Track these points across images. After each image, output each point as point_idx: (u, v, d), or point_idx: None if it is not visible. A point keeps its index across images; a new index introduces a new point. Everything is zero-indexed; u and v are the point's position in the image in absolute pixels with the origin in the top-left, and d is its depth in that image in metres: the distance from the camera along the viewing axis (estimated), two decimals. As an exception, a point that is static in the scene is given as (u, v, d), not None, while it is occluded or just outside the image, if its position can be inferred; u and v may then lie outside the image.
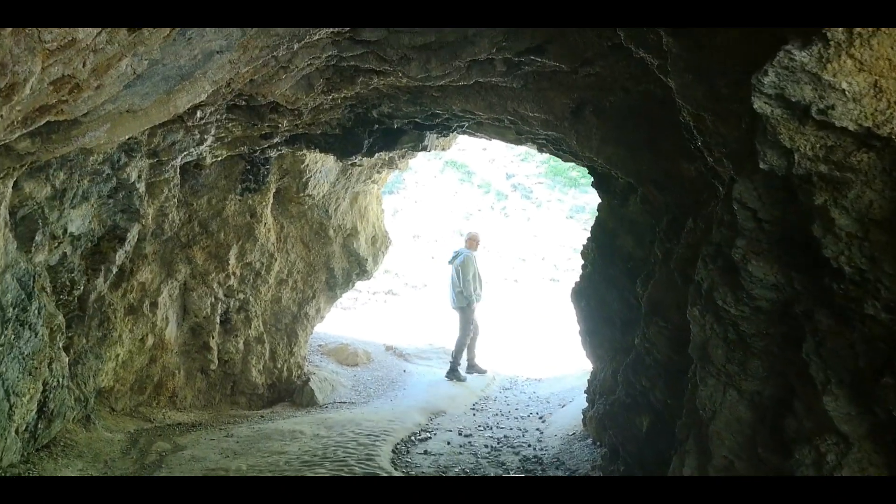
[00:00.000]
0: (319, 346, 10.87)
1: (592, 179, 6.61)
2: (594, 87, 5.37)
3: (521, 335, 14.93)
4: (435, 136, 7.96)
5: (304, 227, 9.60)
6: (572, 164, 24.80)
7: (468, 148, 32.01)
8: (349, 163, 8.95)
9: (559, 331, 15.23)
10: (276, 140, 7.82)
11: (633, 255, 5.99)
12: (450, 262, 11.56)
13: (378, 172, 9.89)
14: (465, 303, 11.15)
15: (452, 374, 10.83)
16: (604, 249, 6.33)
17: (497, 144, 36.11)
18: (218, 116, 6.75)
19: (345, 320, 13.67)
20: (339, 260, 10.04)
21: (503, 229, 22.90)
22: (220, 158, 8.03)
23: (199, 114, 6.40)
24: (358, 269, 10.23)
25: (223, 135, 7.42)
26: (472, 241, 11.82)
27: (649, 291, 5.33)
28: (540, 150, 7.71)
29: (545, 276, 20.63)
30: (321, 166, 9.00)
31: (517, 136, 7.10)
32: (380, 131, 7.58)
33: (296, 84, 5.49)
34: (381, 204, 10.96)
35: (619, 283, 6.18)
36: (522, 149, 36.16)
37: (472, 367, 11.35)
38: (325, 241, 9.78)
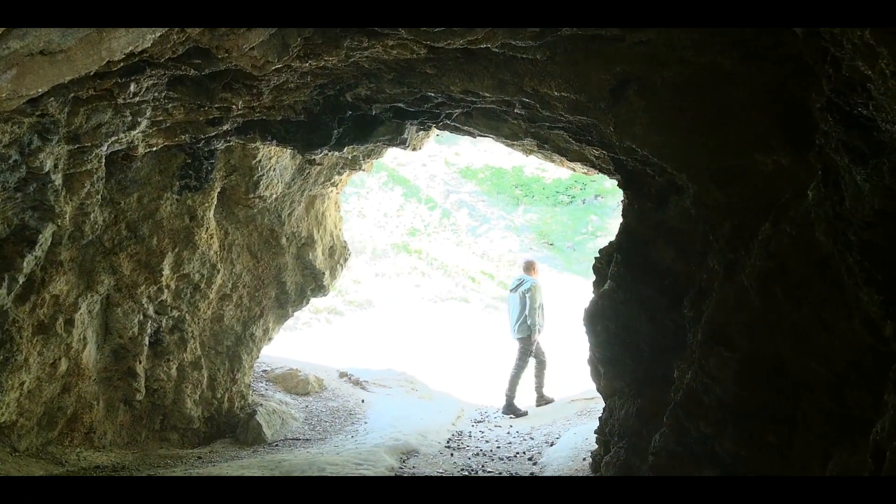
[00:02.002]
0: (264, 371, 9.52)
1: (619, 179, 5.55)
2: (643, 59, 4.33)
3: (476, 359, 13.84)
4: (415, 128, 6.81)
5: (253, 233, 8.27)
6: (518, 180, 23.99)
7: (408, 163, 31.06)
8: (311, 159, 7.71)
9: (511, 354, 14.23)
10: (225, 127, 6.57)
11: (673, 270, 4.95)
12: (512, 290, 10.76)
13: (338, 174, 8.65)
14: (527, 332, 10.38)
15: (509, 409, 10.14)
16: (631, 263, 5.28)
17: (437, 161, 35.28)
18: (156, 94, 5.53)
19: (287, 342, 12.31)
20: (292, 273, 8.73)
21: (451, 247, 21.84)
22: (155, 148, 6.72)
23: (132, 87, 5.17)
24: (313, 283, 8.94)
25: (161, 118, 6.15)
26: (534, 268, 11.06)
27: (709, 314, 4.29)
28: (539, 148, 6.65)
29: (495, 295, 19.61)
30: (276, 163, 7.73)
31: (524, 125, 6.02)
32: (352, 119, 6.40)
33: (268, 41, 4.28)
34: (340, 210, 9.73)
35: (650, 303, 5.13)
36: (463, 165, 35.48)
37: (541, 399, 10.54)
38: (277, 250, 8.47)
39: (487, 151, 36.98)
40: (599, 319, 5.62)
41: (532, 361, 10.63)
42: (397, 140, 6.73)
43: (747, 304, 4.07)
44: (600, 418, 5.98)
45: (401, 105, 5.96)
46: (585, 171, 7.86)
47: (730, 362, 4.13)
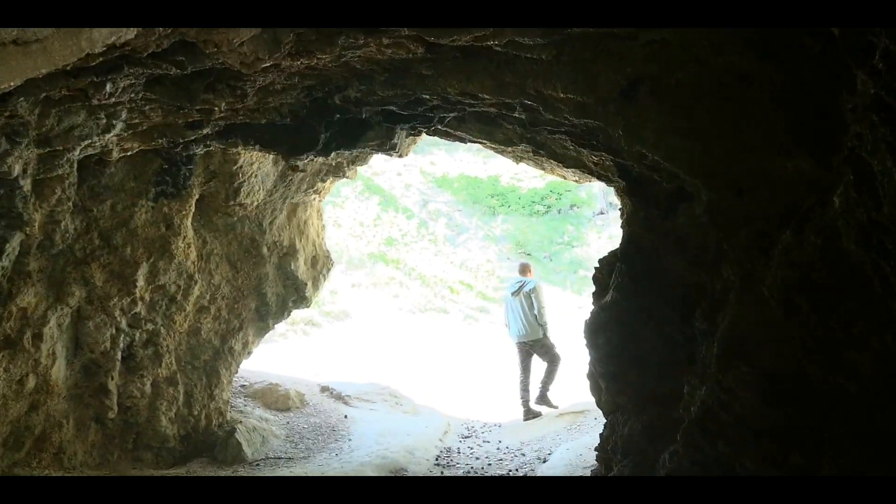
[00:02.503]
0: (242, 386, 9.15)
1: (623, 185, 5.32)
2: (656, 59, 4.11)
3: (458, 371, 13.56)
4: (405, 133, 6.55)
5: (232, 243, 7.93)
6: (493, 189, 23.86)
7: (384, 172, 30.77)
8: (295, 164, 7.42)
9: (494, 366, 14.00)
10: (205, 131, 6.27)
11: (683, 280, 4.72)
12: (513, 294, 10.75)
13: (322, 181, 8.35)
14: (541, 333, 10.49)
15: (543, 400, 10.44)
16: (636, 273, 5.05)
17: (412, 170, 35.07)
18: (133, 95, 5.22)
19: (264, 354, 11.92)
20: (273, 284, 8.40)
21: (429, 257, 21.56)
22: (130, 153, 6.40)
23: (108, 87, 4.87)
24: (295, 295, 8.60)
25: (138, 120, 5.85)
26: (530, 270, 11.35)
27: (726, 327, 4.07)
28: (535, 154, 6.41)
29: (474, 306, 19.36)
30: (257, 169, 7.42)
31: (520, 131, 5.79)
32: (340, 123, 6.14)
33: (259, 35, 4.01)
34: (323, 219, 9.41)
35: (657, 315, 4.91)
36: (439, 174, 35.32)
37: (528, 413, 10.49)
38: (257, 260, 8.14)
39: (463, 161, 36.83)
40: (601, 332, 5.39)
41: (520, 371, 10.60)
42: (387, 145, 6.46)
43: (769, 317, 3.86)
44: (601, 435, 5.74)
45: (392, 108, 5.71)
46: (577, 178, 7.65)
47: (749, 378, 3.91)
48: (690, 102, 4.14)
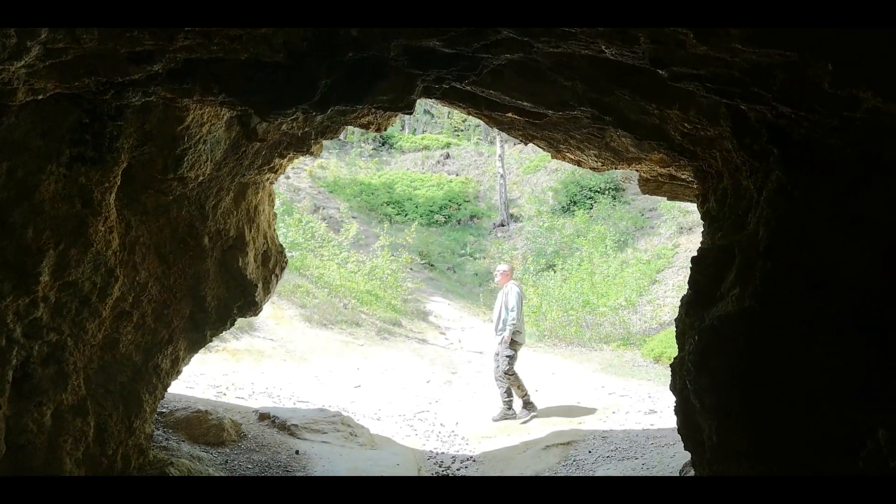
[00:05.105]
0: (160, 413, 7.23)
1: (776, 152, 3.93)
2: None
3: (391, 391, 11.99)
4: (423, 86, 5.00)
5: (165, 229, 6.07)
6: (388, 197, 22.42)
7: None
8: (255, 130, 5.72)
9: (426, 385, 12.60)
10: (156, 68, 4.55)
11: (872, 282, 3.47)
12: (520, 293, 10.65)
13: (280, 156, 6.63)
14: None
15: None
16: (788, 273, 3.75)
17: (300, 174, 33.10)
18: (63, 2, 3.52)
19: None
20: (215, 284, 6.57)
21: (335, 266, 19.80)
22: (41, 97, 4.60)
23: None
24: (241, 299, 6.81)
25: (63, 45, 4.12)
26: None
27: None
28: (595, 120, 5.05)
29: (386, 318, 17.78)
30: (207, 133, 5.65)
31: (581, 88, 4.44)
32: (348, 66, 4.57)
33: None
34: (275, 204, 7.66)
35: (825, 332, 3.60)
36: (330, 180, 33.49)
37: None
38: (196, 253, 6.30)
39: (355, 166, 35.22)
40: (714, 353, 4.05)
41: (518, 375, 10.31)
42: (402, 101, 4.92)
43: None
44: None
45: (434, 44, 4.19)
46: (599, 164, 6.35)
47: None
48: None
